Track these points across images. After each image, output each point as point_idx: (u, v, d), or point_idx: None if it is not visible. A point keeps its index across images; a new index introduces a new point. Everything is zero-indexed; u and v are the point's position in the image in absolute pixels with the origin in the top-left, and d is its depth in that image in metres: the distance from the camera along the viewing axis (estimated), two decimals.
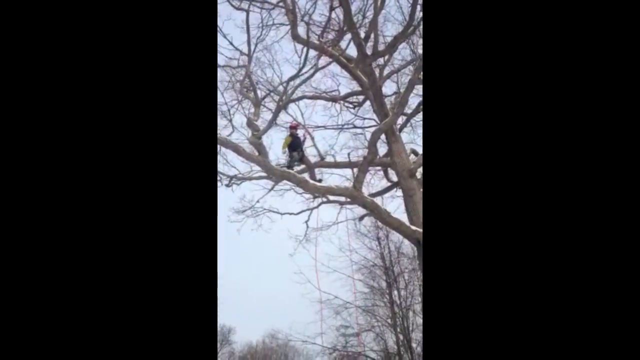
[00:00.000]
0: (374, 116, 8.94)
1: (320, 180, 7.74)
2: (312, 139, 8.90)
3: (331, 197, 8.86)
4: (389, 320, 16.32)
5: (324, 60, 7.93)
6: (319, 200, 9.38)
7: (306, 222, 9.87)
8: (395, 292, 16.55)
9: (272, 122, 7.23)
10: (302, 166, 8.20)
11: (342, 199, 8.46)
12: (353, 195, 6.82)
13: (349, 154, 8.80)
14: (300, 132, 8.44)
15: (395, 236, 15.70)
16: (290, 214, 9.81)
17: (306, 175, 7.57)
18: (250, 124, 6.94)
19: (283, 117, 8.94)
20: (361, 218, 10.85)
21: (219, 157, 8.40)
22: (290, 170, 7.31)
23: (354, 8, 8.04)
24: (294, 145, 8.07)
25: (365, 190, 7.81)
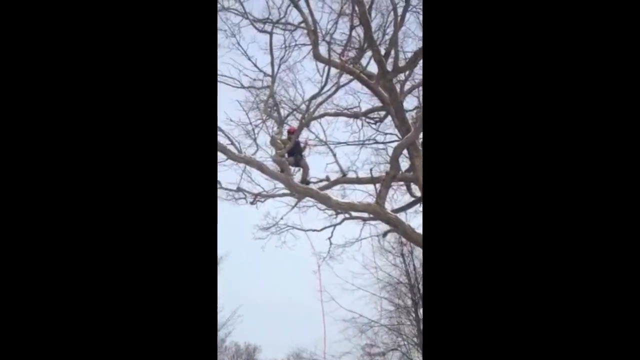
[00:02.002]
0: (396, 131, 8.93)
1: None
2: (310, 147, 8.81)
3: (354, 214, 8.85)
4: (415, 339, 15.98)
5: (345, 77, 8.03)
6: (342, 216, 9.38)
7: (329, 238, 9.86)
8: (421, 310, 16.23)
9: (295, 140, 7.35)
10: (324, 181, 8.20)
11: (365, 215, 8.44)
12: (376, 212, 6.81)
13: (371, 170, 8.76)
14: (301, 141, 8.30)
15: (420, 252, 15.48)
16: (314, 230, 9.82)
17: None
18: (274, 142, 7.06)
19: (306, 135, 9.00)
20: (385, 234, 10.76)
21: (243, 175, 8.52)
22: (312, 187, 7.37)
23: (374, 25, 8.14)
24: (295, 150, 7.73)
25: (389, 206, 7.78)
